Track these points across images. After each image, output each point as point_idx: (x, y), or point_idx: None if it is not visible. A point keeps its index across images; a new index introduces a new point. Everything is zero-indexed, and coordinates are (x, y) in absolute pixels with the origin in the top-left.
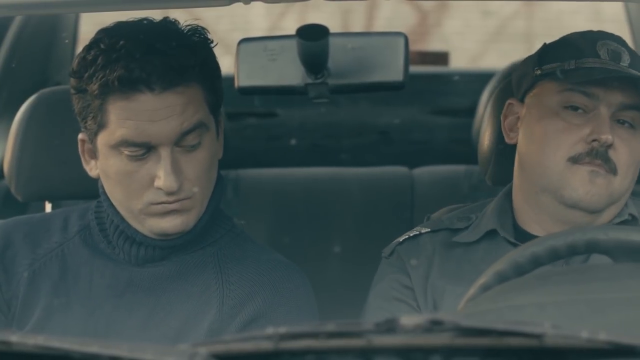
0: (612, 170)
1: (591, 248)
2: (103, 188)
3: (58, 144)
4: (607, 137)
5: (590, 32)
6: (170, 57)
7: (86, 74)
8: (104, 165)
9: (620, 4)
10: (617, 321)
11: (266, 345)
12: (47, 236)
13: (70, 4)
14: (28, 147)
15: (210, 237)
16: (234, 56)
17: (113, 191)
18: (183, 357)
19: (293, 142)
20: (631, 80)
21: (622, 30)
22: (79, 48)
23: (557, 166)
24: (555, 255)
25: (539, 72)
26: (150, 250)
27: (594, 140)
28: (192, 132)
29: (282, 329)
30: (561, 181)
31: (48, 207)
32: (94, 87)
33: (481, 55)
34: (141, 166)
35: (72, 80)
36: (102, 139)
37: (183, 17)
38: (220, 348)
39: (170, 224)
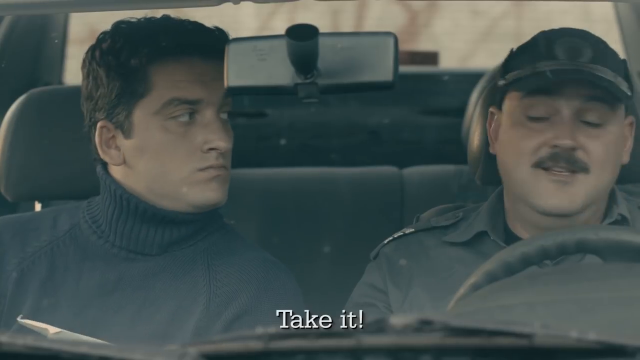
0: (583, 169)
1: (581, 248)
2: (108, 180)
3: (48, 144)
4: (566, 142)
5: (551, 31)
6: (212, 30)
7: (123, 53)
8: (141, 139)
9: (609, 4)
10: (606, 321)
11: (256, 345)
12: (36, 235)
13: (62, 3)
14: (18, 147)
15: (203, 231)
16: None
17: (146, 169)
18: (172, 357)
19: (283, 142)
20: (589, 76)
21: (611, 30)
22: (69, 48)
23: (523, 174)
24: (545, 255)
25: (502, 82)
26: (182, 229)
27: (555, 145)
28: (228, 98)
29: (272, 329)
30: (529, 189)
31: (38, 207)
32: (142, 56)
33: (471, 55)
34: (187, 131)
35: (100, 67)
36: (142, 110)
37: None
38: (209, 348)
39: (214, 193)
